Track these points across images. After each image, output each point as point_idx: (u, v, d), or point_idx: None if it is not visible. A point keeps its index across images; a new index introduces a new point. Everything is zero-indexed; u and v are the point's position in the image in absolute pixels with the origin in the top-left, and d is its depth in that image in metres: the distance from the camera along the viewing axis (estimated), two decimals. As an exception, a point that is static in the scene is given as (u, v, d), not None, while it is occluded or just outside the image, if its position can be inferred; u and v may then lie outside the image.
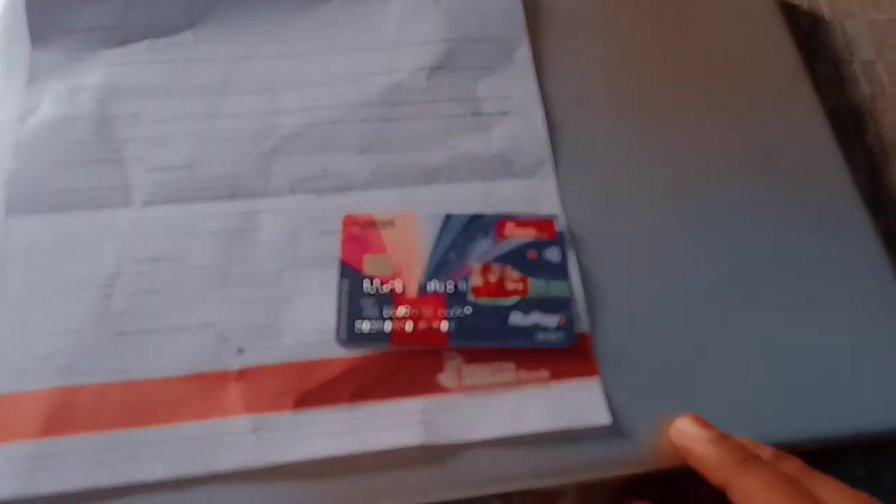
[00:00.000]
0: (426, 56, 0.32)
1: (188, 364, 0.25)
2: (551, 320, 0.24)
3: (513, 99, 0.32)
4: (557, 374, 0.25)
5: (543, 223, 0.26)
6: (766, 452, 0.22)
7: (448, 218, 0.26)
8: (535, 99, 0.32)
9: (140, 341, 0.26)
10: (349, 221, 0.26)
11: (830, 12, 0.39)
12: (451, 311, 0.24)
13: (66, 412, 0.24)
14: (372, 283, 0.25)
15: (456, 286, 0.25)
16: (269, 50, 0.32)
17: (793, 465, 0.21)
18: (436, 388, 0.25)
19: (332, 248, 0.28)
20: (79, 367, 0.25)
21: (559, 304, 0.25)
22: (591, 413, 0.25)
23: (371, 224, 0.26)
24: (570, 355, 0.26)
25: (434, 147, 0.30)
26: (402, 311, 0.24)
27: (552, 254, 0.25)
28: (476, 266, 0.25)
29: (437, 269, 0.25)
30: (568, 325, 0.24)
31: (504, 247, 0.25)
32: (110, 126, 0.30)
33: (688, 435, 0.23)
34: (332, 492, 0.24)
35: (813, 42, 0.38)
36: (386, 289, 0.25)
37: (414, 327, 0.24)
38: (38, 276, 0.27)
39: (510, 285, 0.25)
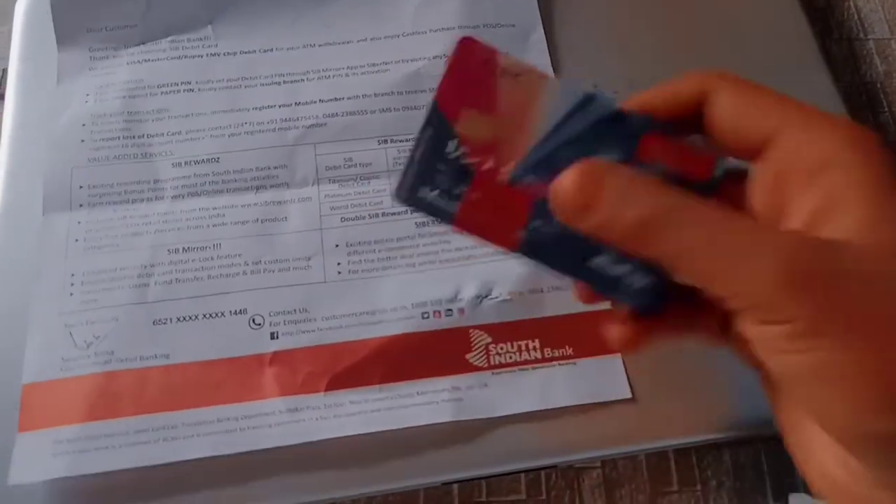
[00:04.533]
0: (444, 43, 0.33)
1: (223, 349, 0.26)
2: (642, 280, 0.18)
3: (529, 85, 0.32)
4: (581, 352, 0.26)
5: (701, 158, 0.18)
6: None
7: (588, 100, 0.18)
8: (551, 84, 0.32)
9: (176, 328, 0.27)
10: (466, 48, 0.18)
11: (844, -10, 0.39)
12: (534, 221, 0.18)
13: (108, 397, 0.25)
14: (458, 148, 0.18)
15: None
16: (289, 42, 0.33)
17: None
18: (464, 367, 0.26)
19: (357, 234, 0.28)
20: (119, 353, 0.26)
21: (654, 270, 0.18)
22: (613, 388, 0.26)
23: (492, 65, 0.18)
24: (593, 332, 0.26)
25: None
26: (478, 196, 0.18)
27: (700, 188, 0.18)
28: None
29: (543, 161, 0.18)
30: (658, 290, 0.18)
31: (637, 164, 0.18)
32: (138, 122, 0.31)
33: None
34: (364, 469, 0.25)
35: (827, 20, 0.38)
36: (472, 162, 0.18)
37: (486, 220, 0.18)
38: (77, 270, 0.28)
39: None
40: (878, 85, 0.36)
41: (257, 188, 0.30)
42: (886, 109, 0.35)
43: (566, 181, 0.16)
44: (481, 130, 0.18)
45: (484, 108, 0.18)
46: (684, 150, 0.18)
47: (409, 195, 0.19)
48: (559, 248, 0.18)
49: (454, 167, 0.18)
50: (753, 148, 0.17)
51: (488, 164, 0.18)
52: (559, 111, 0.18)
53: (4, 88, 0.32)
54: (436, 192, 0.19)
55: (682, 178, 0.18)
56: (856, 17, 0.37)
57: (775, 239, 0.15)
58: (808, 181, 0.16)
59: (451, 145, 0.19)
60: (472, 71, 0.18)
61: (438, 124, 0.18)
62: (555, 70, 0.33)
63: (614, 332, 0.19)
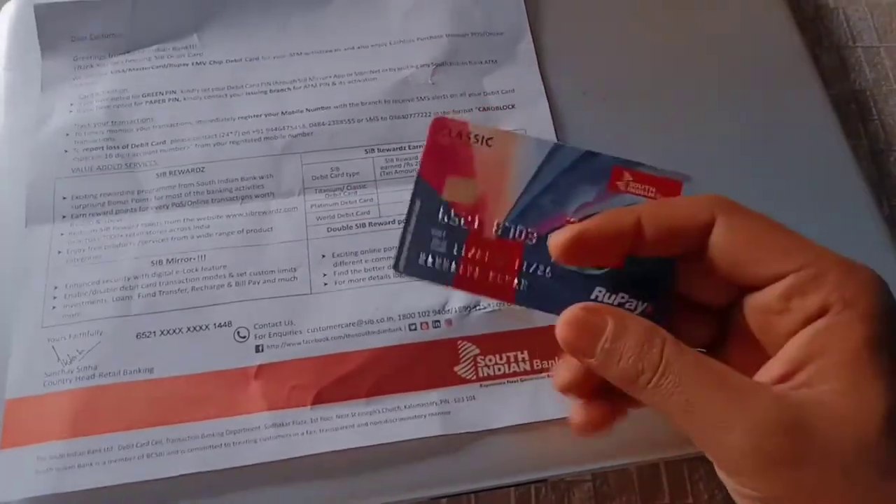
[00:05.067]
0: (431, 52, 0.33)
1: (208, 362, 0.26)
2: (637, 306, 0.19)
3: (518, 92, 0.32)
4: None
5: (668, 183, 0.20)
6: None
7: (557, 149, 0.20)
8: (539, 91, 0.32)
9: (160, 342, 0.26)
10: (439, 126, 0.20)
11: (833, -2, 0.39)
12: (528, 267, 0.20)
13: (92, 412, 0.25)
14: (449, 213, 0.20)
15: (540, 238, 0.20)
16: (276, 51, 0.33)
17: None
18: (452, 380, 0.26)
19: (344, 244, 0.28)
20: (102, 368, 0.26)
21: (652, 287, 0.19)
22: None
23: (464, 136, 0.20)
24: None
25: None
26: (474, 252, 0.20)
27: None
28: (572, 219, 0.20)
29: (527, 211, 0.20)
30: (656, 316, 0.19)
31: (612, 202, 0.20)
32: (122, 132, 0.31)
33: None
34: (352, 484, 0.25)
35: (817, 29, 0.38)
36: (463, 224, 0.20)
37: (482, 275, 0.20)
38: (60, 283, 0.27)
39: None
40: (868, 93, 0.36)
41: (243, 198, 0.29)
42: (876, 117, 0.36)
43: (562, 328, 0.18)
44: (466, 194, 0.20)
45: (465, 174, 0.20)
46: (651, 177, 0.20)
47: (409, 265, 0.20)
48: (560, 286, 0.20)
49: (447, 231, 0.20)
50: (753, 283, 0.17)
51: (477, 223, 0.20)
52: (533, 163, 0.20)
53: (-13, 98, 0.31)
54: (433, 258, 0.20)
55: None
56: (845, 25, 0.37)
57: (746, 415, 0.15)
58: (799, 325, 0.16)
59: (441, 212, 0.20)
60: (448, 143, 0.20)
61: (426, 195, 0.20)
62: (543, 79, 0.33)
63: (578, 416, 0.20)
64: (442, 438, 0.25)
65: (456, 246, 0.20)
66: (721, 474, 0.17)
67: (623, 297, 0.19)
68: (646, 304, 0.19)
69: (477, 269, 0.20)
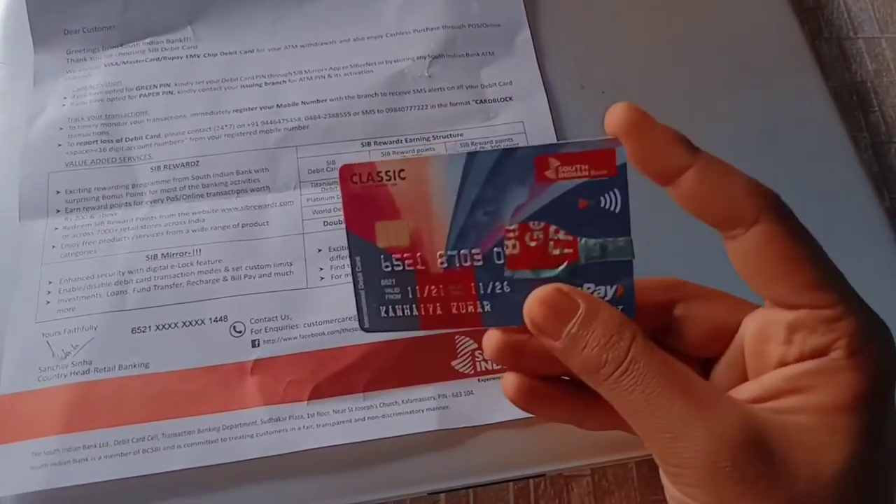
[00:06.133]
0: (427, 44, 0.32)
1: (204, 357, 0.26)
2: (607, 291, 0.18)
3: (516, 85, 0.32)
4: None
5: (599, 155, 0.18)
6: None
7: (471, 157, 0.18)
8: (537, 84, 0.32)
9: (156, 336, 0.26)
10: (346, 174, 0.19)
11: (833, -12, 0.39)
12: (484, 289, 0.19)
13: (87, 407, 0.25)
14: (390, 259, 0.19)
15: (486, 257, 0.19)
16: (270, 43, 0.32)
17: None
18: (450, 375, 0.26)
19: (340, 238, 0.28)
20: (97, 363, 0.26)
21: (618, 270, 0.18)
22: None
23: (375, 176, 0.19)
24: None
25: (440, 135, 0.30)
26: (429, 290, 0.19)
27: (611, 200, 0.18)
28: (511, 227, 0.19)
29: (464, 234, 0.19)
30: (627, 296, 0.18)
31: (546, 195, 0.18)
32: (116, 125, 0.30)
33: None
34: (348, 479, 0.24)
35: (817, 20, 0.38)
36: (407, 266, 0.19)
37: (445, 310, 0.19)
38: (54, 277, 0.27)
39: (555, 251, 0.18)
40: (869, 84, 0.36)
41: (238, 192, 0.29)
42: (877, 108, 0.35)
43: (531, 305, 0.18)
44: (399, 236, 0.19)
45: (390, 216, 0.19)
46: (579, 155, 0.18)
47: (372, 321, 0.20)
48: (519, 298, 0.19)
49: (395, 278, 0.19)
50: (772, 299, 0.17)
51: (421, 262, 0.19)
52: (453, 181, 0.19)
53: (-21, 92, 0.31)
54: (392, 308, 0.19)
55: (589, 184, 0.18)
56: (845, 15, 0.37)
57: (707, 424, 0.15)
58: (792, 359, 0.16)
59: (383, 260, 0.19)
60: (361, 190, 0.19)
61: (361, 249, 0.19)
62: (541, 71, 0.32)
63: (509, 379, 0.19)
64: (440, 433, 0.25)
65: (409, 290, 0.19)
66: (665, 480, 0.16)
67: (589, 287, 0.18)
68: (615, 287, 0.18)
69: (438, 305, 0.19)
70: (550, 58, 0.33)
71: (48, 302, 0.27)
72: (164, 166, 0.29)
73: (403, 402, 0.25)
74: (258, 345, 0.26)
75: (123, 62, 0.32)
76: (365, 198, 0.19)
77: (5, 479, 0.24)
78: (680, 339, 0.18)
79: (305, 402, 0.25)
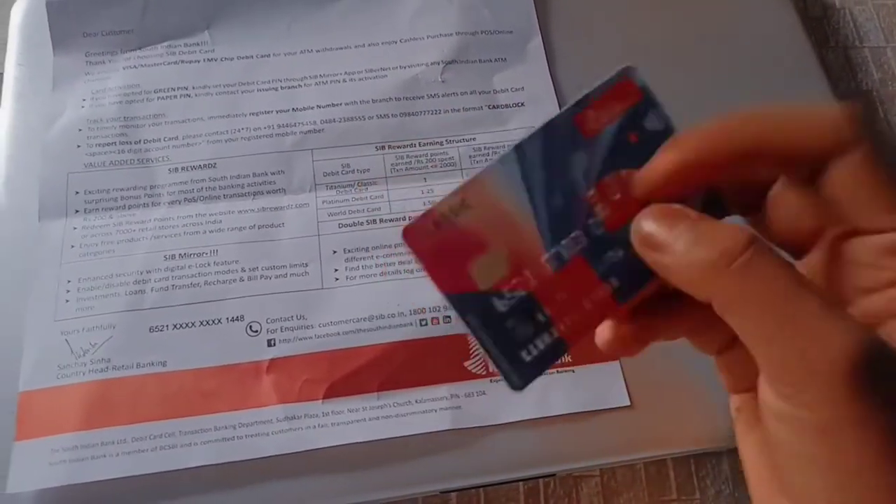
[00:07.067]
0: (441, 50, 0.33)
1: (220, 356, 0.26)
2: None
3: (528, 90, 0.32)
4: (580, 359, 0.26)
5: (620, 88, 0.18)
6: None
7: (519, 150, 0.18)
8: (549, 90, 0.32)
9: (173, 335, 0.27)
10: (411, 236, 0.17)
11: (839, -1, 0.39)
12: (602, 265, 0.18)
13: (105, 405, 0.25)
14: (502, 296, 0.17)
15: (586, 233, 0.18)
16: (286, 48, 0.33)
17: None
18: (463, 375, 0.26)
19: (355, 240, 0.28)
20: (115, 361, 0.26)
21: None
22: (611, 396, 0.26)
23: (441, 221, 0.17)
24: (591, 339, 0.26)
25: (453, 139, 0.31)
26: (554, 301, 0.17)
27: (653, 120, 0.18)
28: (590, 193, 0.18)
29: (554, 225, 0.18)
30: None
31: (601, 146, 0.18)
32: (134, 127, 0.31)
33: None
34: (361, 478, 0.25)
35: (823, 29, 0.38)
36: (521, 291, 0.17)
37: (578, 311, 0.17)
38: (73, 277, 0.28)
39: None
40: (874, 93, 0.36)
41: (254, 194, 0.29)
42: (883, 117, 0.36)
43: (640, 219, 0.17)
44: (497, 266, 0.17)
45: (477, 251, 0.17)
46: (606, 96, 0.18)
47: (521, 375, 0.18)
48: (637, 265, 0.17)
49: (517, 313, 0.17)
50: (859, 226, 0.15)
51: (532, 278, 0.17)
52: (516, 180, 0.18)
53: (0, 94, 0.32)
54: (532, 345, 0.18)
55: (629, 117, 0.18)
56: (851, 25, 0.37)
57: (846, 334, 0.13)
58: (883, 285, 0.15)
59: (496, 303, 0.17)
60: (433, 242, 0.17)
61: (468, 304, 0.17)
62: (553, 77, 0.33)
63: (608, 332, 0.18)
64: (452, 433, 0.25)
65: (538, 315, 0.18)
66: (769, 391, 0.14)
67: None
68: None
69: (570, 311, 0.18)
70: (561, 64, 0.33)
71: (67, 301, 0.27)
72: (182, 168, 0.30)
73: (417, 402, 0.26)
74: (274, 344, 0.26)
75: (142, 65, 0.32)
76: (443, 248, 0.17)
77: (25, 475, 0.24)
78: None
79: (320, 401, 0.25)
